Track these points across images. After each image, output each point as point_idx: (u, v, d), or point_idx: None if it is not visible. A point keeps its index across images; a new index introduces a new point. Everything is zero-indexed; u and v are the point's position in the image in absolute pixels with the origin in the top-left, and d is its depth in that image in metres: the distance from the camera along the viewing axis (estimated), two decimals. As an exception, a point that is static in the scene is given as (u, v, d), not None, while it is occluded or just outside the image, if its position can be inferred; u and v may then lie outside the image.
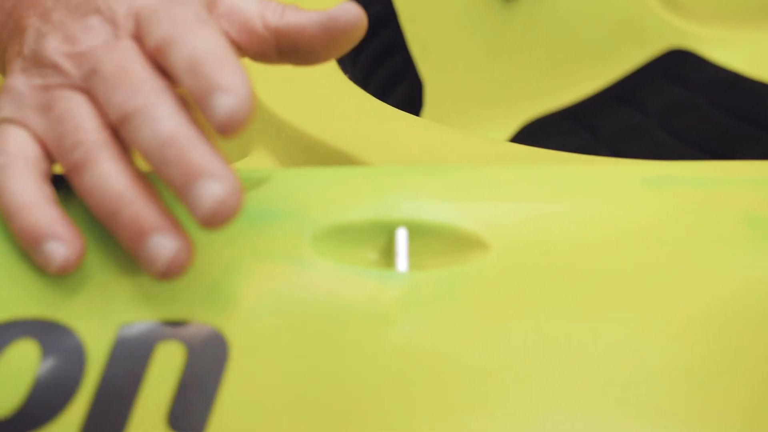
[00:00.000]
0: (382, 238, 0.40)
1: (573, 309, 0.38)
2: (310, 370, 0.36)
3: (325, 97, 0.47)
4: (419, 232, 0.40)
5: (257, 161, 0.51)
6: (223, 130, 0.36)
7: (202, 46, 0.38)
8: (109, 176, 0.37)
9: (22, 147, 0.39)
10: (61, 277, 0.37)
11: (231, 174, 0.36)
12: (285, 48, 0.44)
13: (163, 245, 0.36)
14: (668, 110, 0.84)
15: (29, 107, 0.40)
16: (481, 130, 0.81)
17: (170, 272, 0.36)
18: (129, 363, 0.36)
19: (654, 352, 0.37)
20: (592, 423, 0.36)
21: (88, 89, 0.40)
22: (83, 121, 0.39)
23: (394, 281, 0.38)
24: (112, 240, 0.38)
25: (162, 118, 0.37)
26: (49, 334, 0.36)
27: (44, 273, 0.37)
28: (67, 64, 0.40)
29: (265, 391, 0.36)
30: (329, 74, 0.61)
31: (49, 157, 0.40)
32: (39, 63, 0.41)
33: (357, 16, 0.43)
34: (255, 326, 0.37)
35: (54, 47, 0.40)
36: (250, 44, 0.44)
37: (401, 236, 0.40)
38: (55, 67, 0.40)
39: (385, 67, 0.74)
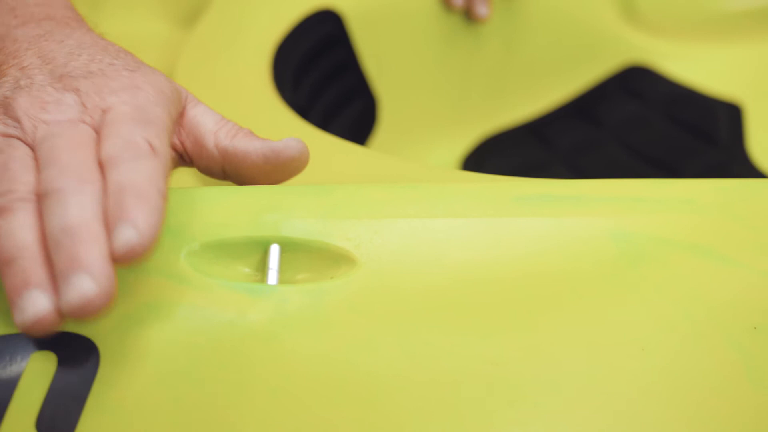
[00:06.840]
0: (257, 254, 0.42)
1: (433, 320, 0.40)
2: (178, 377, 0.38)
3: (257, 125, 0.49)
4: (293, 249, 0.42)
5: (179, 180, 0.53)
6: (115, 259, 0.38)
7: (135, 178, 0.40)
8: (21, 227, 0.39)
9: None
10: None
11: (110, 279, 0.38)
12: (229, 169, 0.47)
13: (39, 302, 0.38)
14: (623, 125, 0.85)
15: None
16: (438, 146, 0.83)
17: (35, 329, 0.37)
18: (2, 373, 0.38)
19: (508, 358, 0.39)
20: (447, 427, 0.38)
21: (35, 151, 0.42)
22: (22, 174, 0.41)
23: (262, 294, 0.40)
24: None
25: (73, 206, 0.39)
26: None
27: None
28: (28, 124, 0.43)
29: (134, 398, 0.38)
30: (265, 100, 0.62)
31: None
32: (6, 112, 0.43)
33: (299, 152, 0.46)
34: (127, 336, 0.39)
35: (25, 107, 0.43)
36: (200, 158, 0.47)
37: (273, 252, 0.42)
38: (17, 121, 0.43)
39: (335, 85, 0.76)
